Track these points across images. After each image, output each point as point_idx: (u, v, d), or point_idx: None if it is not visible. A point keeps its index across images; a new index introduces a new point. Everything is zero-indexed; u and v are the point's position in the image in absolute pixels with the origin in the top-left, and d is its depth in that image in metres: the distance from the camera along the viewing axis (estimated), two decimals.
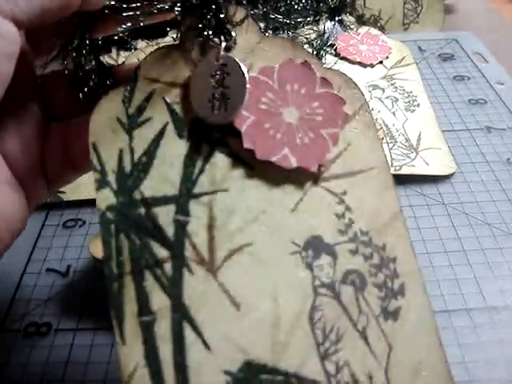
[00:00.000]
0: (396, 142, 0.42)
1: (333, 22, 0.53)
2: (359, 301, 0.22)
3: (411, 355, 0.22)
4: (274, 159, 0.23)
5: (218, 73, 0.23)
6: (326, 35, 0.52)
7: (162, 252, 0.22)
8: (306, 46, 0.47)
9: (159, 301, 0.21)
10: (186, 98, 0.23)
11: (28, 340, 0.31)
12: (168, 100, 0.23)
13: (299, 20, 0.54)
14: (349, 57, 0.49)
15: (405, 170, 0.40)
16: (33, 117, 0.25)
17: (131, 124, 0.23)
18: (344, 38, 0.51)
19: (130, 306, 0.21)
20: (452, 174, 0.40)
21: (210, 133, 0.23)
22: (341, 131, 0.23)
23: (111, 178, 0.22)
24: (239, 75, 0.23)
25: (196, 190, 0.23)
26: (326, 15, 0.54)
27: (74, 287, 0.34)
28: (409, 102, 0.45)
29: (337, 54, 0.49)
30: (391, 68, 0.49)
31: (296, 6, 0.54)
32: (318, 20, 0.54)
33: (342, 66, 0.48)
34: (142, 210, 0.22)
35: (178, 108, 0.23)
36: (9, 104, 0.24)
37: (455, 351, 0.29)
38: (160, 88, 0.23)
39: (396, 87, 0.47)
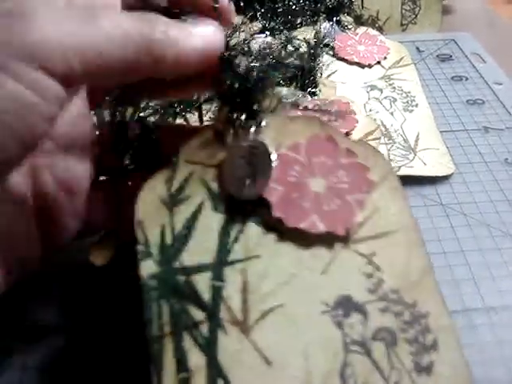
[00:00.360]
0: (394, 142, 0.42)
1: (331, 23, 0.53)
2: (391, 357, 0.23)
3: None
4: (302, 226, 0.24)
5: (248, 154, 0.25)
6: (323, 35, 0.52)
7: (198, 314, 0.23)
8: (303, 46, 0.46)
9: (196, 359, 0.22)
10: (221, 176, 0.25)
11: (22, 344, 0.30)
12: (205, 179, 0.26)
13: (297, 20, 0.54)
14: (346, 57, 0.49)
15: (403, 171, 0.40)
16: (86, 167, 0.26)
17: (172, 202, 0.26)
18: (342, 39, 0.51)
19: (170, 364, 0.22)
20: (450, 175, 0.40)
21: (243, 206, 0.25)
22: (368, 196, 0.25)
23: (154, 249, 0.24)
24: (266, 156, 0.25)
25: (230, 258, 0.25)
26: (324, 16, 0.54)
27: (71, 293, 0.33)
28: (407, 102, 0.45)
29: (334, 55, 0.49)
30: (389, 68, 0.49)
31: (294, 7, 0.54)
32: (316, 20, 0.54)
33: (340, 67, 0.48)
34: (182, 278, 0.24)
35: (214, 186, 0.25)
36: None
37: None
38: (198, 169, 0.26)
39: (394, 87, 0.47)
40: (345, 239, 0.25)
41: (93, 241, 0.34)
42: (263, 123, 0.26)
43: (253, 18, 0.54)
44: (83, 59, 0.20)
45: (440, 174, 0.40)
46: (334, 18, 0.53)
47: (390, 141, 0.42)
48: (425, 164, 0.40)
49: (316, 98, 0.40)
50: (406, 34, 0.56)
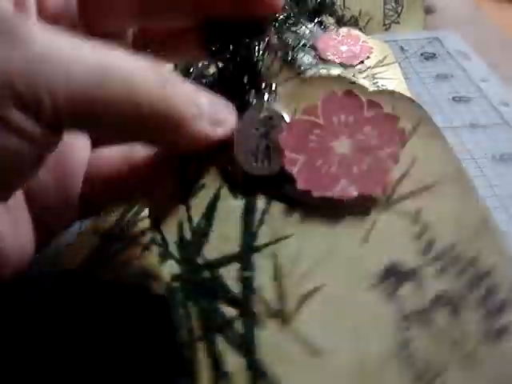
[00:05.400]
0: None
1: (312, 24, 0.53)
2: (458, 324, 0.20)
3: None
4: (331, 194, 0.22)
5: (263, 126, 0.23)
6: (305, 37, 0.51)
7: (230, 311, 0.21)
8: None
9: (233, 361, 0.20)
10: (233, 152, 0.23)
11: None
12: (219, 164, 0.24)
13: (279, 22, 0.53)
14: (329, 58, 0.48)
15: None
16: None
17: (186, 194, 0.23)
18: (324, 39, 0.50)
19: (205, 372, 0.20)
20: None
21: (264, 184, 0.23)
22: (401, 148, 0.22)
23: (173, 248, 0.22)
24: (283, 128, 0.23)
25: (258, 243, 0.22)
26: (306, 17, 0.53)
27: (48, 295, 0.32)
28: None
29: (317, 56, 0.48)
30: (373, 67, 0.48)
31: None
32: (298, 22, 0.53)
33: (323, 67, 0.48)
34: (207, 274, 0.22)
35: (229, 168, 0.23)
36: None
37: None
38: (209, 153, 0.23)
39: (378, 86, 0.46)
40: (383, 200, 0.22)
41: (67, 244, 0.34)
42: (273, 90, 0.24)
43: None
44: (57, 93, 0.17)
45: None
46: (316, 20, 0.53)
47: None
48: None
49: None
50: (389, 34, 0.56)
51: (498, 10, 0.65)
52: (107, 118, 0.19)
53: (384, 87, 0.46)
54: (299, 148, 0.23)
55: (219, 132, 0.22)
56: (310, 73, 0.47)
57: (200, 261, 0.22)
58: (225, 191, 0.23)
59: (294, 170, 0.22)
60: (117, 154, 0.25)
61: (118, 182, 0.25)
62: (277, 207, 0.23)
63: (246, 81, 0.24)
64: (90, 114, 0.18)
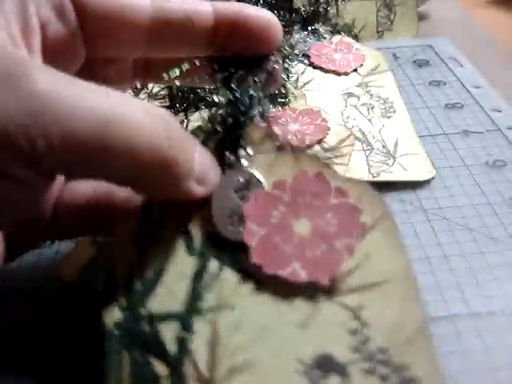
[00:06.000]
0: (373, 149, 0.41)
1: (306, 32, 0.53)
2: None
3: None
4: (282, 274, 0.22)
5: (241, 189, 0.24)
6: (298, 45, 0.51)
7: (161, 369, 0.21)
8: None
9: None
10: (198, 214, 0.24)
11: None
12: (181, 218, 0.24)
13: None
14: (323, 66, 0.49)
15: (383, 177, 0.39)
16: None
17: (143, 242, 0.24)
18: (317, 47, 0.50)
19: None
20: (431, 179, 0.39)
21: (221, 249, 0.23)
22: (359, 241, 0.23)
23: (120, 293, 0.23)
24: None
25: (201, 307, 0.23)
26: (299, 25, 0.54)
27: (43, 309, 0.32)
28: (385, 108, 0.45)
29: (310, 64, 0.49)
30: (366, 75, 0.48)
31: None
32: (291, 30, 0.53)
33: (316, 75, 0.48)
34: (147, 326, 0.22)
35: (190, 226, 0.24)
36: None
37: (439, 360, 0.28)
38: (174, 206, 0.24)
39: (371, 94, 0.46)
40: (329, 290, 0.22)
41: (65, 254, 0.34)
42: (252, 156, 0.24)
43: None
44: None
45: (420, 179, 0.39)
46: (309, 28, 0.53)
47: (369, 147, 0.41)
48: (405, 169, 0.40)
49: (287, 108, 0.39)
50: (382, 41, 0.56)
51: (488, 15, 0.66)
52: (101, 167, 0.19)
53: (377, 95, 0.46)
54: (261, 221, 0.23)
55: (202, 191, 0.22)
56: (302, 80, 0.47)
57: (143, 312, 0.22)
58: (181, 246, 0.23)
59: (251, 243, 0.23)
60: (90, 185, 0.25)
61: (86, 212, 0.25)
62: (229, 274, 0.23)
63: (230, 140, 0.24)
64: (86, 162, 0.18)
